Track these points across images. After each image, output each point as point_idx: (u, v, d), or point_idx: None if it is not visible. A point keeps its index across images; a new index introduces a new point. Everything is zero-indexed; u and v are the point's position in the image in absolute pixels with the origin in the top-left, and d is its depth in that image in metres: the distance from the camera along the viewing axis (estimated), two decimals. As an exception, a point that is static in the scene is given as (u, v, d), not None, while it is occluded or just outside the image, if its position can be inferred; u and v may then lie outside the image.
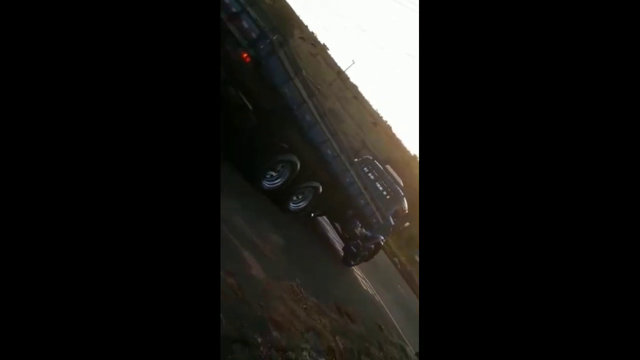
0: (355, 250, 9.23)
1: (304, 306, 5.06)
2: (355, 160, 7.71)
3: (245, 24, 5.03)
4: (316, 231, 10.11)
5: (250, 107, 5.97)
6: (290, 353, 3.71)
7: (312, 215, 8.67)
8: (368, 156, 11.46)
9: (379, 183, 10.01)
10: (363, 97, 37.99)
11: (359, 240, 9.24)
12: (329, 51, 37.27)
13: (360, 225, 9.30)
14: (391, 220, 9.98)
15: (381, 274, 12.84)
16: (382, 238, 10.61)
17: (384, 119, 39.32)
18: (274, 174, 6.64)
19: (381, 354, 6.68)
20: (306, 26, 35.60)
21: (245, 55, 5.06)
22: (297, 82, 5.45)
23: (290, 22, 31.20)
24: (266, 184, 6.63)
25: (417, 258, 21.54)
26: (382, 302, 11.28)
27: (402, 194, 10.30)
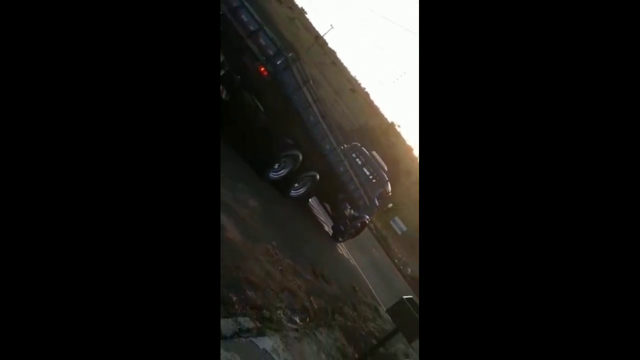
0: (343, 229, 10.46)
1: (280, 268, 5.16)
2: (345, 146, 8.43)
3: (262, 41, 5.96)
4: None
5: (262, 109, 7.02)
6: (265, 311, 3.81)
7: (308, 199, 9.85)
8: (356, 143, 12.27)
9: (366, 168, 10.94)
10: (341, 63, 37.61)
11: (347, 220, 10.40)
12: (307, 15, 36.48)
13: (349, 207, 10.28)
14: (376, 202, 11.08)
15: (357, 238, 13.14)
16: (368, 217, 11.77)
17: (363, 86, 39.15)
18: (278, 166, 7.55)
19: (355, 313, 6.91)
20: (283, -12, 34.60)
21: (262, 69, 5.97)
22: (305, 90, 6.45)
23: (267, -17, 30.25)
24: (272, 175, 7.57)
25: (392, 223, 22.01)
26: (357, 265, 11.59)
27: (387, 178, 11.34)
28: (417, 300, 4.35)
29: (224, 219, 4.64)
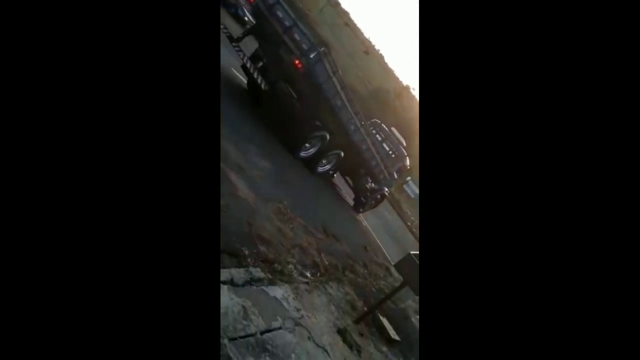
0: (364, 201, 11.39)
1: (291, 226, 5.30)
2: (365, 122, 9.07)
3: (297, 36, 6.63)
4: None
5: (295, 96, 7.78)
6: (276, 265, 3.96)
7: (333, 174, 10.83)
8: (376, 120, 12.96)
9: (386, 144, 11.81)
10: (355, 25, 36.74)
11: (368, 193, 11.27)
12: (319, -26, 35.39)
13: (370, 180, 11.09)
14: (395, 175, 11.78)
15: (369, 201, 13.32)
16: (387, 190, 12.77)
17: (377, 47, 38.32)
18: (308, 145, 8.51)
19: (366, 271, 7.09)
20: (295, -54, 33.47)
21: (297, 61, 6.67)
22: (334, 79, 7.28)
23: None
24: (302, 154, 8.56)
25: (405, 187, 22.05)
26: (369, 227, 11.76)
27: (405, 153, 12.13)
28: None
29: (235, 179, 4.76)
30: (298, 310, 3.35)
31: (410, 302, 7.68)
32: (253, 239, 4.06)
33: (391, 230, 15.35)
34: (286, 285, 3.56)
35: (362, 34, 36.81)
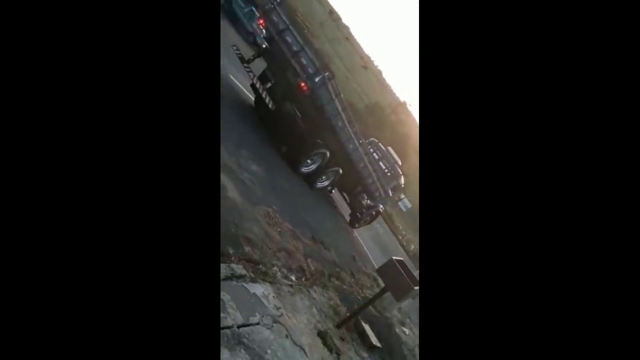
0: (360, 216, 11.82)
1: (279, 230, 5.35)
2: (363, 141, 9.58)
3: (303, 61, 7.16)
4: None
5: (299, 115, 8.30)
6: (261, 266, 4.01)
7: (331, 190, 11.30)
8: (374, 139, 13.48)
9: (382, 162, 12.28)
10: (355, 39, 37.20)
11: (363, 209, 11.63)
12: (321, -11, 35.94)
13: (365, 197, 11.43)
14: (390, 193, 12.30)
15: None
16: (382, 207, 13.33)
17: (375, 63, 38.74)
18: (309, 161, 8.95)
19: (352, 279, 7.13)
20: (299, -40, 34.01)
21: (303, 84, 7.25)
22: (336, 101, 7.80)
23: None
24: (303, 169, 9.01)
25: (399, 204, 22.09)
26: (360, 239, 11.80)
27: (400, 172, 12.68)
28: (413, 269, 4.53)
29: (225, 180, 4.82)
30: (278, 308, 3.39)
31: (396, 313, 7.72)
32: (239, 239, 4.11)
33: (382, 243, 15.40)
34: (267, 284, 3.61)
35: (361, 49, 37.28)
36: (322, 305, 4.56)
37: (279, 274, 4.30)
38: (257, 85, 7.88)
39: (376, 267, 9.81)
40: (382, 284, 8.30)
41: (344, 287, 6.21)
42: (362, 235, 12.59)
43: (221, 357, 2.33)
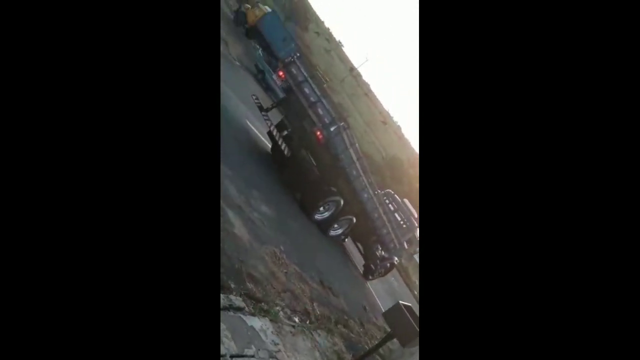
0: (374, 268, 11.65)
1: (285, 271, 5.28)
2: (379, 192, 9.82)
3: (320, 111, 7.60)
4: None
5: (314, 163, 8.80)
6: (263, 304, 3.93)
7: (344, 239, 11.10)
8: (389, 190, 13.61)
9: (398, 214, 12.06)
10: (374, 96, 38.18)
11: (377, 260, 11.58)
12: (343, 47, 37.50)
13: (380, 248, 11.44)
14: (405, 245, 12.21)
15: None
16: (396, 259, 13.15)
17: (394, 119, 39.45)
18: (323, 209, 9.01)
19: (361, 329, 6.89)
20: (322, 21, 35.82)
21: (319, 133, 7.59)
22: (351, 151, 8.07)
23: (305, 16, 31.45)
24: (317, 216, 9.05)
25: (415, 256, 21.67)
26: (372, 291, 11.50)
27: (416, 224, 12.48)
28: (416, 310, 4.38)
29: (233, 217, 4.85)
30: (276, 344, 3.30)
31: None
32: (242, 276, 4.07)
33: (397, 297, 14.88)
34: (266, 319, 3.53)
35: (380, 105, 38.12)
36: (325, 350, 4.40)
37: (281, 313, 4.20)
38: (274, 133, 8.18)
39: (388, 319, 9.53)
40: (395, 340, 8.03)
41: (352, 335, 5.99)
42: (375, 287, 12.27)
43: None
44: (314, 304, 5.39)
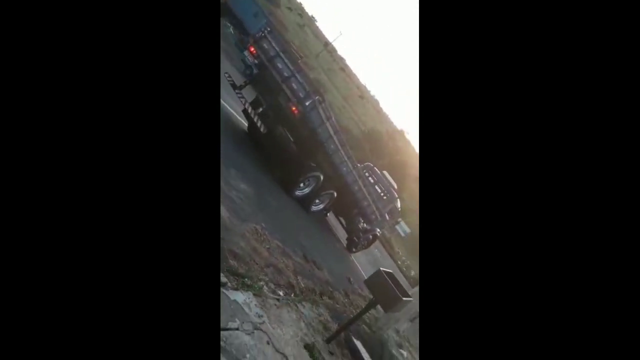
0: (357, 240, 11.93)
1: (267, 247, 5.30)
2: (359, 165, 9.77)
3: (294, 86, 7.46)
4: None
5: (291, 139, 8.71)
6: (246, 279, 3.95)
7: (326, 213, 11.29)
8: (369, 163, 13.64)
9: (378, 186, 12.31)
10: (350, 70, 38.00)
11: (360, 233, 11.80)
12: (316, 22, 36.98)
13: (362, 221, 11.58)
14: (386, 217, 12.36)
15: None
16: (379, 230, 13.46)
17: (372, 93, 39.31)
18: (303, 185, 9.01)
19: (346, 300, 7.02)
20: (294, -4, 35.16)
21: (294, 108, 7.45)
22: (328, 125, 7.96)
23: (277, -9, 30.82)
24: (297, 193, 9.05)
25: (397, 227, 22.04)
26: (355, 262, 11.69)
27: (396, 195, 12.76)
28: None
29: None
30: (260, 316, 3.34)
31: (394, 335, 7.54)
32: (224, 253, 4.07)
33: (380, 267, 15.20)
34: (249, 293, 3.56)
35: (357, 79, 38.01)
36: (310, 320, 4.47)
37: (265, 287, 4.23)
38: (249, 111, 8.06)
39: (373, 290, 9.73)
40: (379, 307, 8.22)
41: (337, 306, 6.11)
42: (359, 259, 12.48)
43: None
44: (298, 278, 5.46)
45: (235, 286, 3.50)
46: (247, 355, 2.71)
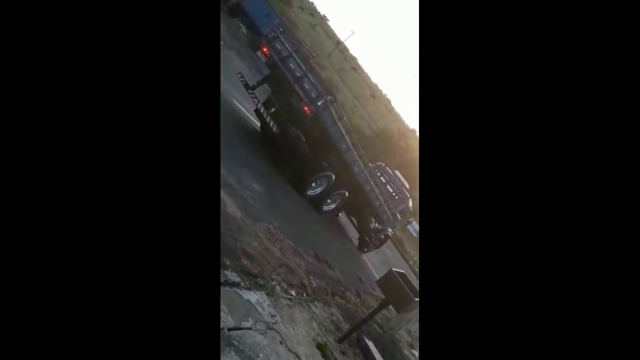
0: (368, 240, 11.81)
1: (279, 246, 5.34)
2: (370, 165, 9.75)
3: (306, 86, 7.45)
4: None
5: (303, 139, 8.78)
6: (259, 279, 3.99)
7: (338, 213, 11.26)
8: (380, 163, 13.57)
9: (389, 186, 12.20)
10: (362, 69, 37.93)
11: (372, 232, 11.73)
12: (328, 22, 36.97)
13: (373, 220, 11.56)
14: (398, 216, 12.44)
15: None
16: (390, 230, 13.48)
17: (383, 92, 39.26)
18: (315, 184, 9.03)
19: (358, 300, 7.02)
20: (306, -5, 35.20)
21: (306, 108, 7.49)
22: (339, 124, 8.01)
23: (289, -9, 30.84)
24: (309, 192, 9.06)
25: (409, 227, 21.91)
26: (367, 262, 11.67)
27: (408, 195, 12.67)
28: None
29: (224, 195, 4.86)
30: (273, 316, 3.36)
31: (405, 335, 7.54)
32: (237, 252, 4.11)
33: (392, 267, 15.16)
34: (263, 292, 3.59)
35: (369, 78, 37.92)
36: (323, 320, 4.50)
37: (277, 287, 4.26)
38: (262, 111, 8.10)
39: (385, 289, 9.71)
40: (391, 307, 8.20)
41: (349, 305, 6.12)
42: (370, 259, 12.45)
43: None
44: (310, 277, 5.48)
45: (249, 286, 3.53)
46: (260, 355, 2.73)
